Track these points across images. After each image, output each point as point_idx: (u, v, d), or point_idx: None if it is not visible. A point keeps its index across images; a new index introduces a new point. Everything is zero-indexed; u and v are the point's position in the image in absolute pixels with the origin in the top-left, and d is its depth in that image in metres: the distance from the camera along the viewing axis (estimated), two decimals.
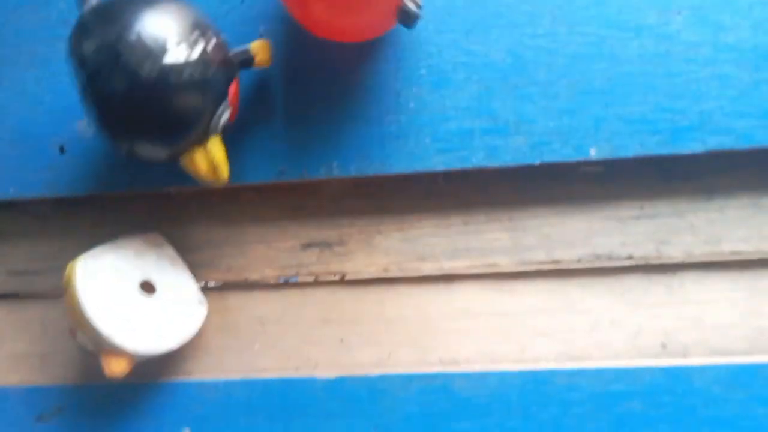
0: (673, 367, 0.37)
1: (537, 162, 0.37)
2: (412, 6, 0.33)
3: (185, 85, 0.32)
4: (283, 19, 0.39)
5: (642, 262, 0.38)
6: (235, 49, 0.35)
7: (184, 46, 0.31)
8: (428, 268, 0.40)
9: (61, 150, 0.39)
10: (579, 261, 0.39)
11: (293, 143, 0.38)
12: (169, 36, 0.31)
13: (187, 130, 0.33)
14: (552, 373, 0.37)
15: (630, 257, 0.38)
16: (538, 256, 0.39)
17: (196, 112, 0.33)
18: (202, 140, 0.34)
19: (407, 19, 0.34)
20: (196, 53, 0.32)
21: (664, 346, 0.38)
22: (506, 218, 0.39)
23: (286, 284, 0.41)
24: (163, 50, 0.31)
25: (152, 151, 0.33)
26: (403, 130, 0.38)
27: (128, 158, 0.34)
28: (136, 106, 0.31)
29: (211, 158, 0.34)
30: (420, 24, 0.37)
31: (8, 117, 0.40)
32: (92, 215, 0.42)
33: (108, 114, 0.32)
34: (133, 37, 0.31)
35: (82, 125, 0.39)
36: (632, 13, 0.37)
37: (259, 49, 0.36)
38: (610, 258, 0.39)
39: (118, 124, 0.32)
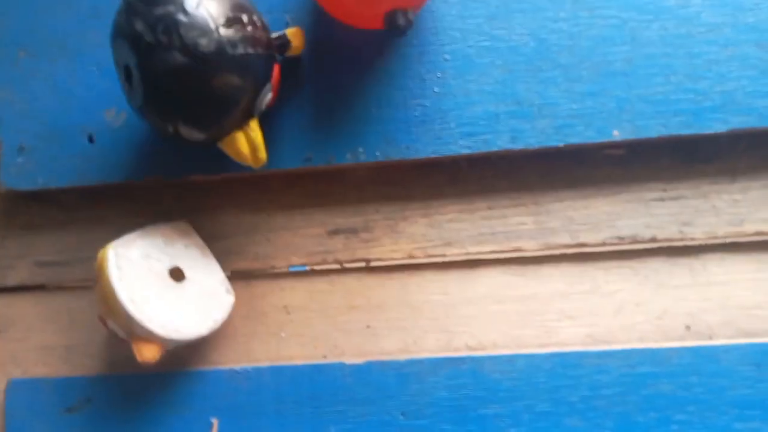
0: (700, 346, 0.37)
1: (561, 144, 0.37)
2: (400, 18, 0.34)
3: (238, 61, 0.32)
4: (307, 7, 0.40)
5: (665, 244, 0.39)
6: (273, 34, 0.36)
7: (235, 25, 0.32)
8: (453, 254, 0.40)
9: (90, 139, 0.40)
10: (603, 244, 0.39)
11: (319, 130, 0.39)
12: (221, 13, 0.32)
13: (235, 107, 0.33)
14: (580, 355, 0.37)
15: (654, 239, 0.39)
16: (563, 240, 0.39)
17: (245, 89, 0.33)
18: (243, 122, 0.34)
19: (392, 27, 0.34)
20: (246, 31, 0.32)
21: (688, 327, 0.38)
22: (530, 202, 0.40)
23: (312, 272, 0.41)
24: (217, 26, 0.32)
25: (197, 131, 0.34)
26: (428, 115, 0.38)
27: (171, 139, 0.34)
28: (190, 80, 0.32)
29: (251, 140, 0.35)
30: (443, 9, 0.38)
31: (39, 107, 0.40)
32: (120, 206, 0.42)
33: (160, 91, 0.32)
34: (189, 12, 0.31)
35: (111, 115, 0.40)
36: None
37: (293, 35, 0.37)
38: (633, 240, 0.39)
39: (169, 101, 0.33)
